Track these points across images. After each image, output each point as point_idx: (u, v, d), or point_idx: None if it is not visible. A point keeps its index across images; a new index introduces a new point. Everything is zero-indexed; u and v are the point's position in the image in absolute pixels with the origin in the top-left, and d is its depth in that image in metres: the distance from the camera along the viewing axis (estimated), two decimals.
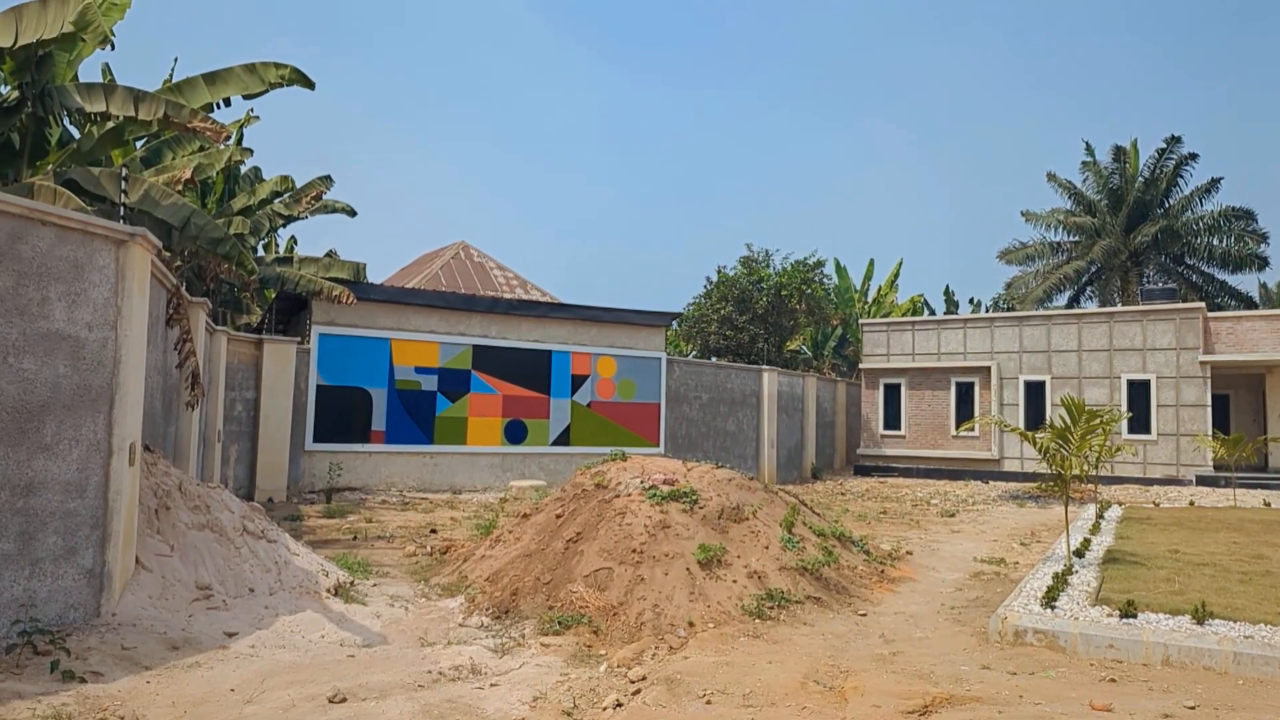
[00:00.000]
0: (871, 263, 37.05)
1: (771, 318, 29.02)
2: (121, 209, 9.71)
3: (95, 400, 5.89)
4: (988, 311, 39.94)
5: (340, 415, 16.99)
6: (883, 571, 8.85)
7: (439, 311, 18.32)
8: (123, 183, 10.26)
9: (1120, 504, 16.65)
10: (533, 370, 19.37)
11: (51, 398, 5.67)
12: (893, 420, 25.89)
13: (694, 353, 32.79)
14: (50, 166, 12.28)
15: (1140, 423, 22.34)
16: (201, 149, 14.30)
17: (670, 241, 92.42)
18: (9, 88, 10.89)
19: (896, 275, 37.18)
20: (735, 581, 7.39)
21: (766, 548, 7.98)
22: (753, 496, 9.00)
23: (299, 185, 18.00)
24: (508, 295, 23.72)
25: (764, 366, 24.17)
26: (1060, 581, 7.71)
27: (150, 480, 7.07)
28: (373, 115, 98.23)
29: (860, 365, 27.50)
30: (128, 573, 6.19)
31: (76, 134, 13.74)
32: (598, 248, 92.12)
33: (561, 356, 19.80)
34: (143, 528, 6.66)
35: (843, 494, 20.06)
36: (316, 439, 16.68)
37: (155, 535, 6.79)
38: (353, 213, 20.57)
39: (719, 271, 30.79)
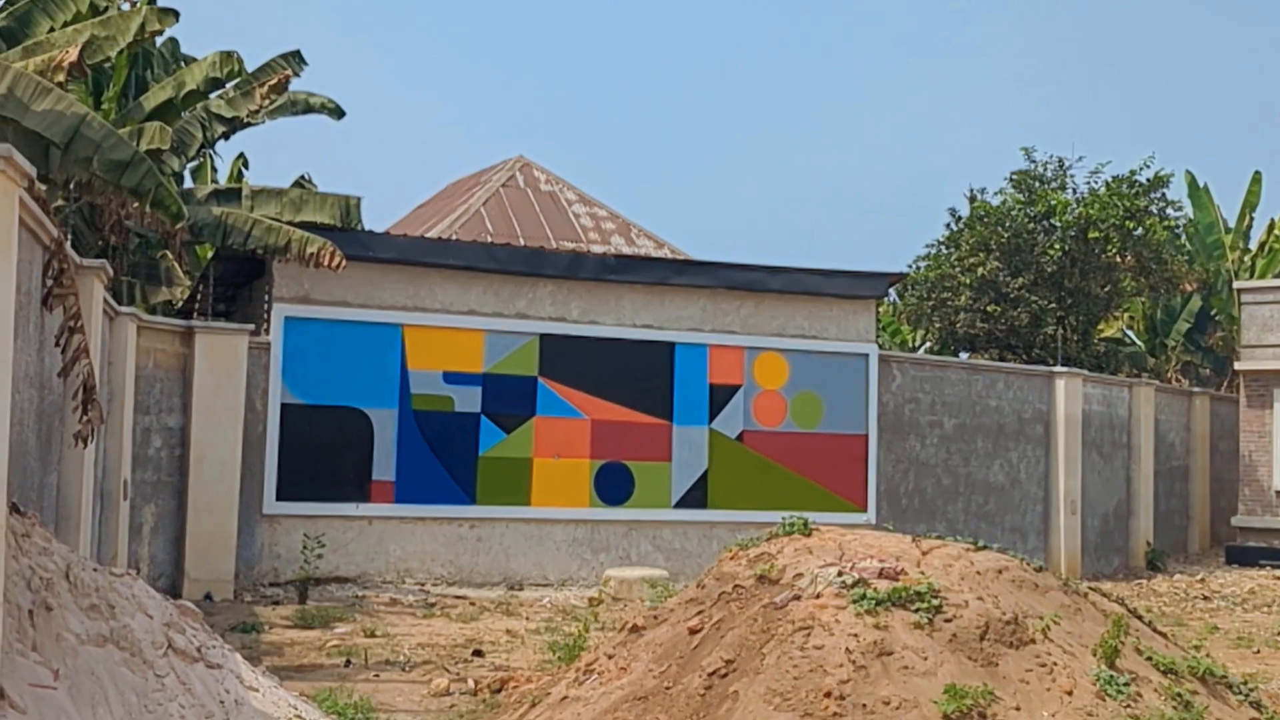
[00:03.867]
0: (1256, 178, 35.54)
1: (1071, 280, 28.26)
2: None
3: None
4: None
5: (321, 455, 17.57)
6: None
7: (483, 277, 18.71)
8: None
9: None
10: (643, 377, 19.52)
11: None
12: None
13: (928, 344, 32.19)
14: None
15: None
16: (96, 11, 15.05)
17: (879, 148, 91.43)
18: None
19: None
20: None
21: (1069, 693, 7.76)
22: (1043, 602, 8.71)
23: (250, 70, 18.70)
24: (598, 248, 23.97)
25: (1058, 368, 23.53)
26: None
27: (21, 563, 7.45)
28: None
29: (1236, 365, 26.50)
30: None
31: None
32: (748, 169, 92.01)
33: (693, 353, 19.87)
34: (10, 641, 7.03)
35: (1206, 598, 19.47)
36: (283, 495, 17.30)
37: (30, 653, 7.15)
38: (339, 113, 21.20)
39: (972, 200, 30.18)
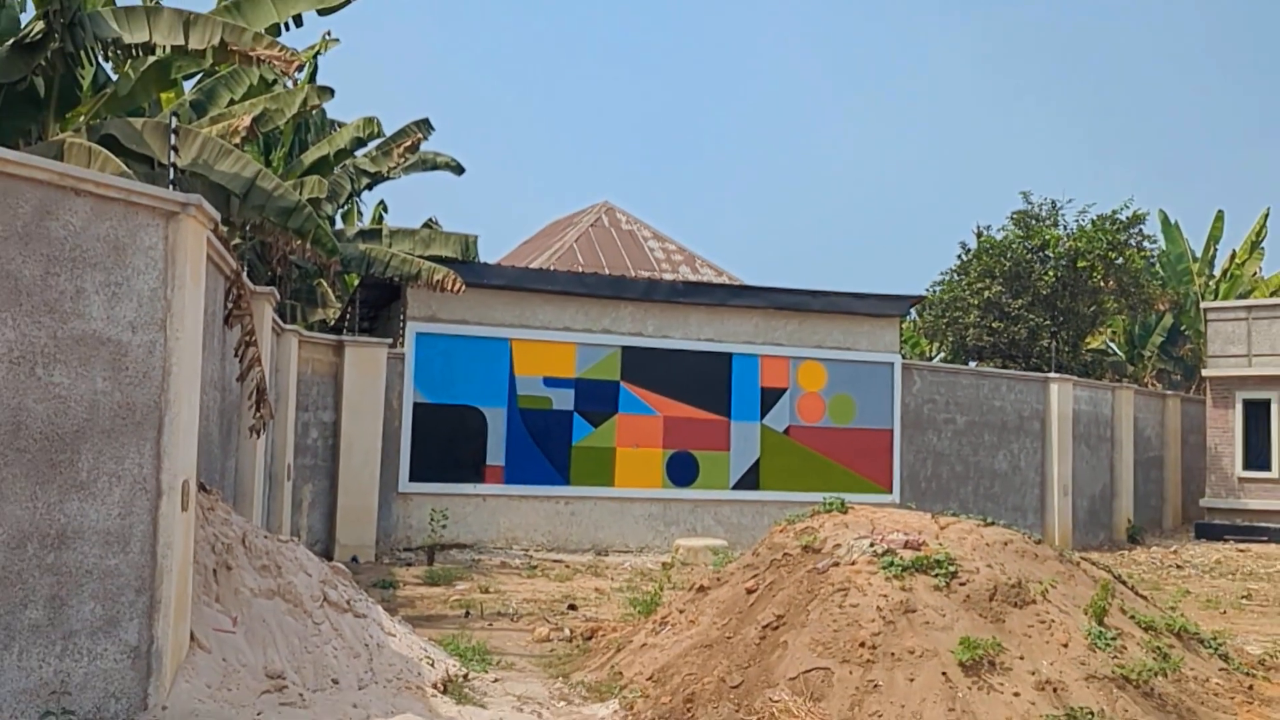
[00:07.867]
0: (1219, 216, 34.81)
1: (1062, 301, 27.91)
2: (170, 170, 10.57)
3: (140, 424, 6.37)
4: None
5: (445, 444, 17.74)
6: (1250, 688, 8.30)
7: (575, 300, 18.78)
8: (172, 136, 11.16)
9: None
10: (706, 381, 19.49)
11: (88, 420, 6.18)
12: (1259, 455, 24.43)
13: (943, 355, 31.90)
14: (82, 118, 13.55)
15: None
16: (267, 86, 15.31)
17: (902, 191, 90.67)
18: (33, 17, 12.10)
19: (1261, 234, 34.77)
20: (1018, 695, 7.12)
21: (1065, 645, 7.65)
22: (1041, 569, 8.65)
23: (388, 133, 18.95)
24: (669, 276, 23.98)
25: (1052, 374, 23.21)
26: None
27: (207, 531, 7.61)
28: (482, 37, 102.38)
29: (1203, 371, 26.06)
30: (181, 652, 6.68)
31: (113, 75, 15.09)
32: (793, 208, 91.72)
33: (747, 362, 19.80)
34: (198, 594, 7.18)
35: (1179, 567, 19.16)
36: (414, 477, 17.50)
37: (214, 604, 7.30)
38: (460, 169, 21.44)
39: (979, 234, 29.91)
